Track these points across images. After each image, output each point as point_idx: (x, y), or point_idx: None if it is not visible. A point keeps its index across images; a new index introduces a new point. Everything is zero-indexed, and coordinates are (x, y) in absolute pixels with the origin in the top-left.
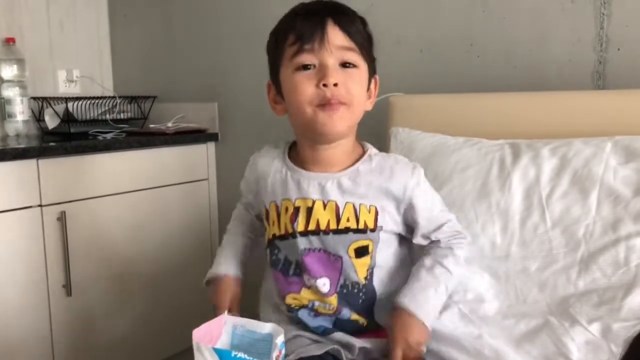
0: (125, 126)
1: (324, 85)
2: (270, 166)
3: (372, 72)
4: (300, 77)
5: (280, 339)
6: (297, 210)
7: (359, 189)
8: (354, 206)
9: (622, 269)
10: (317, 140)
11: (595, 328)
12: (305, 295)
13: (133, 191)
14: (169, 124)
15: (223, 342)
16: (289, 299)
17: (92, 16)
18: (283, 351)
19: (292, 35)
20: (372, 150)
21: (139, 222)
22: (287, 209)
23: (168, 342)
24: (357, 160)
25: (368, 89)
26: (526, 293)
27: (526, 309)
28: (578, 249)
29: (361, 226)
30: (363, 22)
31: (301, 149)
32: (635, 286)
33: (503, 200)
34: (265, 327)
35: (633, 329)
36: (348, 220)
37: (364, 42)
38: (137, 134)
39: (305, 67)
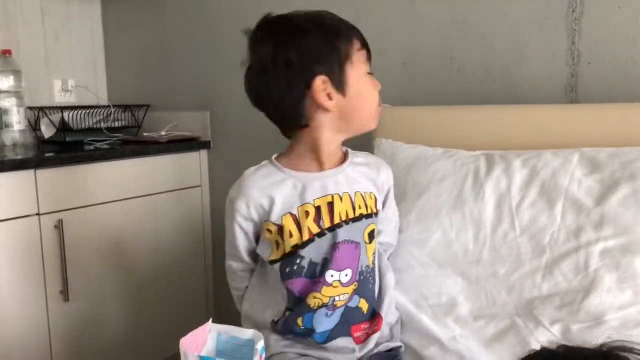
0: (120, 135)
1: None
2: (269, 183)
3: None
4: (372, 83)
5: (260, 344)
6: (318, 209)
7: (361, 179)
8: (361, 194)
9: (581, 274)
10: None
11: (556, 329)
12: (327, 292)
13: (128, 199)
14: (163, 133)
15: (209, 349)
16: (310, 299)
17: (86, 26)
18: (264, 356)
19: (358, 40)
20: (348, 149)
21: (134, 229)
22: (307, 213)
23: (164, 347)
24: (346, 154)
25: None
26: (495, 296)
27: (495, 310)
28: (543, 254)
29: (369, 211)
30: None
31: (321, 147)
32: (593, 290)
33: (477, 209)
34: (247, 334)
35: (590, 330)
36: (360, 207)
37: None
38: (131, 143)
39: (370, 74)
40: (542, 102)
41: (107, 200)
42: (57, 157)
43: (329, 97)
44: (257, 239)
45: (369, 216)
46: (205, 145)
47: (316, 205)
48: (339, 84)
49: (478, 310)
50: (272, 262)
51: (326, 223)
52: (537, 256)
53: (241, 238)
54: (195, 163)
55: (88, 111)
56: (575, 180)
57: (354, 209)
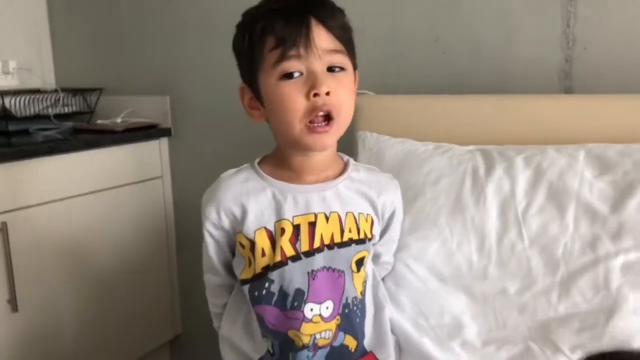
0: (70, 123)
1: (315, 95)
2: (245, 190)
3: (354, 67)
4: (287, 87)
5: None
6: (297, 229)
7: (356, 197)
8: (354, 216)
9: (602, 292)
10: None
11: (577, 357)
12: (307, 330)
13: (80, 195)
14: (118, 120)
15: None
16: (292, 336)
17: (28, 2)
18: None
19: (272, 38)
20: (350, 159)
21: (89, 227)
22: (283, 231)
23: (127, 349)
24: (344, 167)
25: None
26: (506, 316)
27: (506, 334)
28: (557, 269)
29: (362, 236)
30: (342, 13)
31: (288, 158)
32: (616, 311)
33: (478, 215)
34: None
35: None
36: (350, 231)
37: (349, 40)
38: (84, 131)
39: (290, 75)
40: (533, 87)
41: (57, 198)
42: None
43: (252, 107)
44: (233, 251)
45: (360, 242)
46: (165, 132)
47: (295, 223)
48: (257, 92)
49: (487, 333)
50: (243, 282)
51: (303, 245)
52: (550, 271)
53: (213, 248)
54: (154, 152)
55: (33, 96)
56: (585, 182)
57: (342, 231)
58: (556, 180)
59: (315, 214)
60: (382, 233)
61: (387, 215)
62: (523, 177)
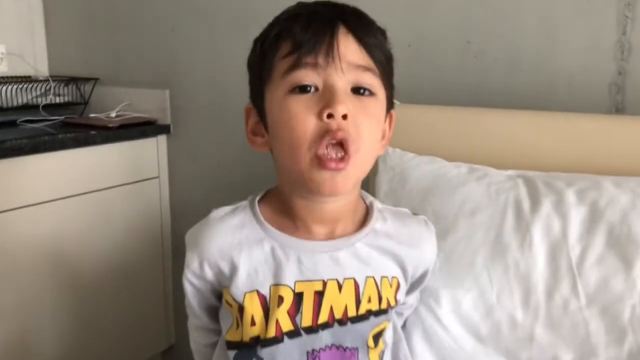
0: (61, 117)
1: (329, 116)
2: (237, 240)
3: (389, 105)
4: (295, 103)
5: None
6: (299, 298)
7: (380, 257)
8: (375, 281)
9: None
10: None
11: None
12: None
13: (69, 197)
14: (113, 114)
15: None
16: None
17: None
18: None
19: (288, 42)
20: (374, 202)
21: (77, 233)
22: (280, 299)
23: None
24: (365, 214)
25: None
26: None
27: None
28: (624, 339)
29: (383, 305)
30: (384, 33)
31: (293, 203)
32: None
33: (523, 261)
34: None
35: None
36: (369, 300)
37: (386, 63)
38: (75, 126)
39: (303, 88)
40: (579, 104)
41: (43, 200)
42: None
43: (254, 132)
44: (219, 296)
45: (380, 312)
46: (163, 129)
47: (297, 290)
48: (262, 113)
49: None
50: (228, 345)
51: (305, 320)
52: (614, 340)
53: (193, 296)
54: (151, 151)
55: (22, 85)
56: None
57: (358, 302)
58: (618, 224)
59: (324, 280)
60: (410, 291)
61: (418, 274)
62: (576, 217)
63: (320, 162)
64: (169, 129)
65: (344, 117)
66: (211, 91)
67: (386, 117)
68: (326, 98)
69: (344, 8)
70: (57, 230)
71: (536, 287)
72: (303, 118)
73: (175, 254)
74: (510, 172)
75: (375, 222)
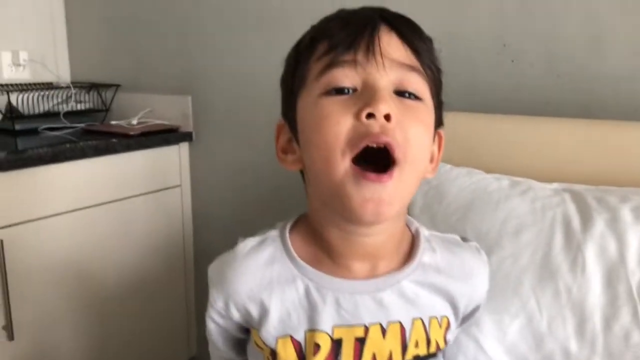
0: (82, 125)
1: (369, 116)
2: (268, 279)
3: (437, 121)
4: (329, 103)
5: None
6: (337, 345)
7: (429, 295)
8: (423, 323)
9: None
10: (350, 222)
11: None
12: None
13: (89, 207)
14: (134, 121)
15: None
16: None
17: None
18: None
19: (324, 43)
20: (420, 228)
21: (97, 244)
22: (317, 347)
23: None
24: (411, 245)
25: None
26: None
27: None
28: None
29: (432, 349)
30: (430, 41)
31: (327, 234)
32: None
33: (576, 286)
34: None
35: None
36: (417, 345)
37: (434, 68)
38: (96, 134)
39: (340, 90)
40: (626, 107)
41: (62, 211)
42: None
43: (285, 150)
44: (246, 330)
45: (429, 356)
46: (185, 137)
47: (335, 336)
48: (293, 126)
49: None
50: None
51: None
52: None
53: (217, 334)
54: (173, 158)
55: (43, 93)
56: None
57: (404, 348)
58: None
59: (365, 325)
60: (457, 327)
61: (470, 309)
62: (635, 237)
63: (358, 171)
64: (191, 136)
65: (387, 118)
66: (234, 97)
67: (434, 136)
68: (366, 97)
69: (388, 10)
70: (77, 241)
71: (592, 315)
72: (337, 118)
73: (197, 264)
74: (555, 185)
75: (423, 255)
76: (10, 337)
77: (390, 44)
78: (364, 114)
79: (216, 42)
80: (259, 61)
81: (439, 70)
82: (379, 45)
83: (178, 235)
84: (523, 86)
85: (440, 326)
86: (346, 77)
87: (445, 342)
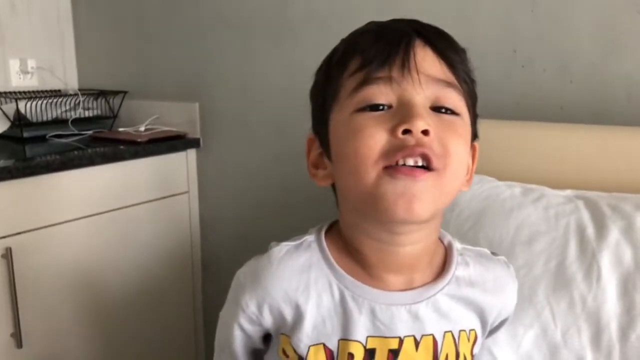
0: (89, 132)
1: (406, 131)
2: (305, 283)
3: (474, 133)
4: (363, 119)
5: None
6: (370, 355)
7: (460, 309)
8: (453, 336)
9: None
10: (384, 230)
11: None
12: None
13: (96, 214)
14: (142, 128)
15: None
16: None
17: None
18: None
19: (357, 58)
20: (453, 241)
21: (104, 252)
22: (350, 356)
23: None
24: (444, 257)
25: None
26: None
27: None
28: None
29: None
30: (464, 52)
31: (359, 247)
32: None
33: (591, 295)
34: None
35: None
36: (447, 358)
37: (470, 83)
38: (104, 141)
39: (375, 107)
40: (638, 113)
41: (70, 219)
42: (3, 168)
43: (315, 165)
44: (266, 337)
45: None
46: (193, 143)
47: (368, 346)
48: (325, 143)
49: None
50: None
51: None
52: None
53: (240, 341)
54: (181, 165)
55: (51, 100)
56: None
57: None
58: None
59: (400, 338)
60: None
61: (498, 322)
62: None
63: (390, 170)
64: (199, 142)
65: (425, 133)
66: (241, 104)
67: (472, 142)
68: (402, 114)
69: (421, 22)
70: (85, 248)
71: (608, 325)
72: (372, 132)
73: (205, 271)
74: (568, 192)
75: (457, 268)
76: (19, 344)
77: (426, 59)
78: (400, 130)
79: (223, 48)
80: (266, 68)
81: (473, 82)
82: (414, 60)
83: (186, 242)
84: (535, 92)
85: (468, 340)
86: (381, 93)
87: (472, 356)
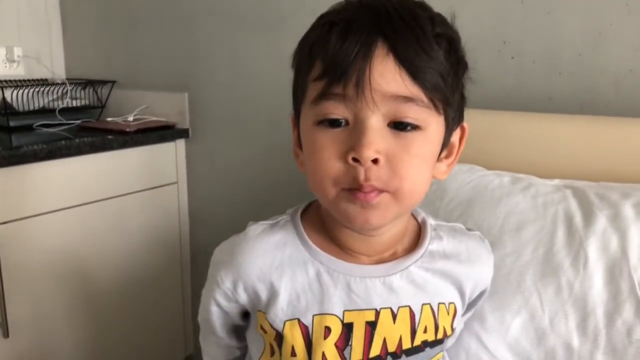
0: (77, 121)
1: (355, 159)
2: (279, 261)
3: (457, 118)
4: (321, 139)
5: None
6: (348, 329)
7: (437, 281)
8: (431, 308)
9: None
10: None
11: None
12: None
13: (84, 204)
14: (130, 118)
15: None
16: None
17: None
18: None
19: (320, 62)
20: (427, 217)
21: (92, 242)
22: (327, 330)
23: None
24: (418, 233)
25: (445, 146)
26: None
27: None
28: None
29: (439, 335)
30: (450, 39)
31: (335, 230)
32: None
33: (578, 281)
34: None
35: None
36: (425, 330)
37: (442, 81)
38: (92, 131)
39: (333, 122)
40: (626, 104)
41: (57, 208)
42: None
43: (297, 148)
44: (246, 314)
45: (436, 343)
46: (182, 133)
47: (346, 320)
48: (299, 132)
49: None
50: None
51: (356, 354)
52: None
53: (217, 317)
54: (170, 155)
55: (38, 89)
56: None
57: (413, 333)
58: None
59: (376, 310)
60: (463, 314)
61: (475, 294)
62: (637, 233)
63: (347, 193)
64: (188, 133)
65: (375, 161)
66: (231, 94)
67: (453, 129)
68: (354, 137)
69: (391, 13)
70: (72, 238)
71: (595, 311)
72: (327, 157)
73: (194, 262)
74: (556, 181)
75: (431, 243)
76: (5, 334)
77: (384, 75)
78: (349, 158)
79: (213, 38)
80: (256, 58)
81: (455, 73)
82: (369, 78)
83: (174, 232)
84: (525, 83)
85: (448, 313)
86: (337, 109)
87: (452, 329)
